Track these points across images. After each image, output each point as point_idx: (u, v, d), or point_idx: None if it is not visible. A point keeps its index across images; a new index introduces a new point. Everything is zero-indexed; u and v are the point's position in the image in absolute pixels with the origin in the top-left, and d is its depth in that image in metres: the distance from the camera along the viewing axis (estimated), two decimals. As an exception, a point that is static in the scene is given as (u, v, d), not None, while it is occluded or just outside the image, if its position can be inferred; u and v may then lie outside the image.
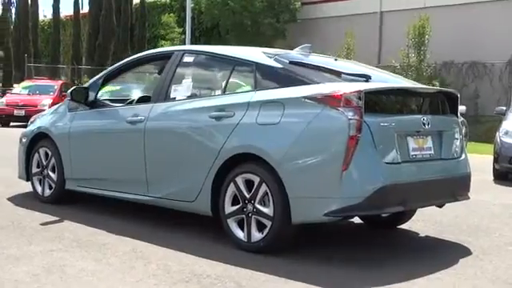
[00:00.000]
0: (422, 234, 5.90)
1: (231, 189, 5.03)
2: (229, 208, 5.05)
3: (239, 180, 4.98)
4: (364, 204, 4.52)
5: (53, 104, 18.12)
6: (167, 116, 5.62)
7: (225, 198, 5.07)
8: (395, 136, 4.75)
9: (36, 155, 6.90)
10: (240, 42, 28.68)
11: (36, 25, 41.83)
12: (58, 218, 5.98)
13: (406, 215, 5.95)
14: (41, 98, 22.42)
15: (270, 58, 5.21)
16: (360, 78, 4.99)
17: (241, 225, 4.99)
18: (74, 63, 35.35)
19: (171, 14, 34.27)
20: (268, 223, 4.80)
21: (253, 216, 4.90)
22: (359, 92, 4.57)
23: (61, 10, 42.00)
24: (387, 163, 4.67)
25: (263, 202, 4.85)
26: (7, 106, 22.22)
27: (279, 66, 5.10)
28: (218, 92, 5.50)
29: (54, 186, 6.68)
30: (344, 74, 5.00)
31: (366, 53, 24.59)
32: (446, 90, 5.77)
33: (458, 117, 5.51)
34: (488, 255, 5.15)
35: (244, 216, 4.95)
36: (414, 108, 5.24)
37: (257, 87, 5.13)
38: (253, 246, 4.90)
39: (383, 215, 5.84)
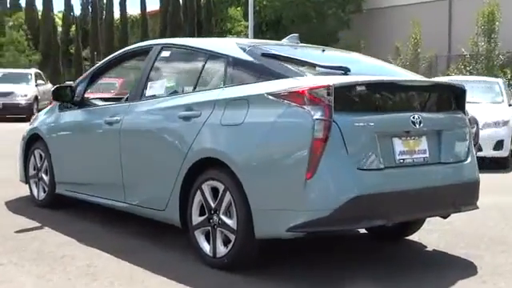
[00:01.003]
0: (430, 248, 5.18)
1: (198, 197, 4.52)
2: (196, 218, 4.54)
3: (205, 187, 4.46)
4: (333, 218, 3.89)
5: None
6: (140, 116, 5.16)
7: (192, 208, 4.56)
8: (375, 138, 4.09)
9: (32, 157, 6.63)
10: (304, 33, 28.09)
11: (111, 23, 42.66)
12: (39, 225, 5.67)
13: (415, 225, 5.26)
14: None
15: (243, 50, 4.63)
16: (337, 71, 4.34)
17: (208, 238, 4.47)
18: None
19: (238, 8, 34.00)
20: (232, 237, 4.27)
21: (218, 228, 4.37)
22: (328, 87, 3.94)
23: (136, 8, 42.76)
24: (364, 170, 4.00)
25: (228, 213, 4.31)
26: (69, 103, 22.43)
27: (250, 59, 4.51)
28: (190, 89, 4.97)
29: (47, 189, 6.38)
30: (320, 66, 4.37)
31: (435, 42, 23.49)
32: (448, 83, 5.02)
33: (465, 114, 4.77)
34: (496, 276, 4.40)
35: (210, 228, 4.43)
36: (402, 104, 4.48)
37: (226, 83, 4.59)
38: (217, 261, 4.37)
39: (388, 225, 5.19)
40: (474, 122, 4.88)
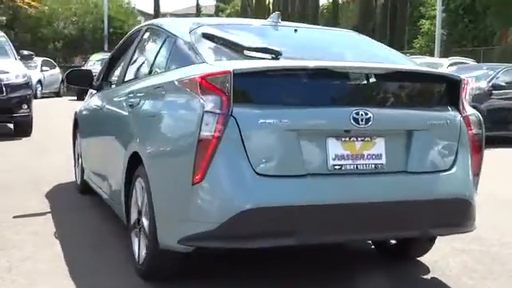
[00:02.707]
0: (431, 275, 4.16)
1: (134, 195, 4.06)
2: (133, 218, 4.09)
3: (137, 185, 3.99)
4: (221, 232, 3.19)
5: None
6: (110, 103, 4.89)
7: (131, 206, 4.12)
8: (293, 137, 3.27)
9: (76, 141, 6.65)
10: (500, 17, 25.62)
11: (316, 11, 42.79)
12: (47, 211, 5.60)
13: (419, 244, 4.29)
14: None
15: (190, 30, 4.05)
16: (266, 55, 3.58)
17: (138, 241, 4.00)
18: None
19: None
20: (147, 243, 3.76)
21: (141, 231, 3.89)
22: (226, 73, 3.23)
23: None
24: (268, 176, 3.21)
25: (147, 216, 3.80)
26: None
27: (188, 40, 3.91)
28: (147, 73, 4.51)
29: (81, 174, 6.33)
30: (248, 49, 3.64)
31: None
32: (433, 72, 3.91)
33: (459, 111, 3.71)
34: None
35: (138, 230, 3.97)
36: (341, 97, 3.52)
37: (166, 67, 4.07)
38: (139, 268, 3.89)
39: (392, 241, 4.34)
40: (475, 123, 3.77)
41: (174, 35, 4.15)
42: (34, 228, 5.02)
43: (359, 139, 3.43)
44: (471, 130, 3.72)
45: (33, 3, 30.38)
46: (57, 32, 32.06)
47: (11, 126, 11.54)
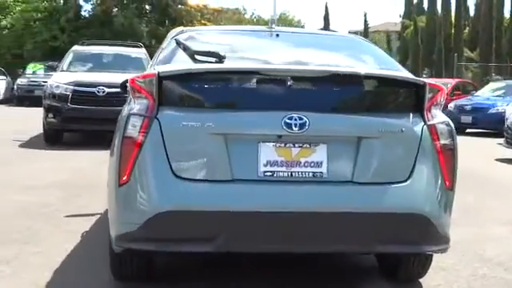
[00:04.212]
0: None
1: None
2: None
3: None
4: (140, 234, 3.20)
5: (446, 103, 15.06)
6: None
7: None
8: (218, 141, 3.19)
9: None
10: None
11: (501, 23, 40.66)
12: (98, 212, 5.90)
13: (409, 265, 3.95)
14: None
15: (173, 36, 4.19)
16: (211, 59, 3.54)
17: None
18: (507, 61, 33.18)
19: None
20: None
21: (115, 231, 4.02)
22: (152, 76, 3.29)
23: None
24: (188, 180, 3.17)
25: None
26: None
27: (163, 46, 4.12)
28: None
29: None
30: (198, 53, 3.62)
31: None
32: (389, 75, 3.54)
33: (423, 119, 3.37)
34: None
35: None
36: (274, 101, 3.30)
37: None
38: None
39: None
40: (444, 132, 3.40)
41: (166, 41, 4.29)
42: (72, 227, 5.35)
43: (296, 145, 3.27)
44: (438, 139, 3.37)
45: (208, 23, 32.17)
46: (230, 50, 33.69)
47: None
